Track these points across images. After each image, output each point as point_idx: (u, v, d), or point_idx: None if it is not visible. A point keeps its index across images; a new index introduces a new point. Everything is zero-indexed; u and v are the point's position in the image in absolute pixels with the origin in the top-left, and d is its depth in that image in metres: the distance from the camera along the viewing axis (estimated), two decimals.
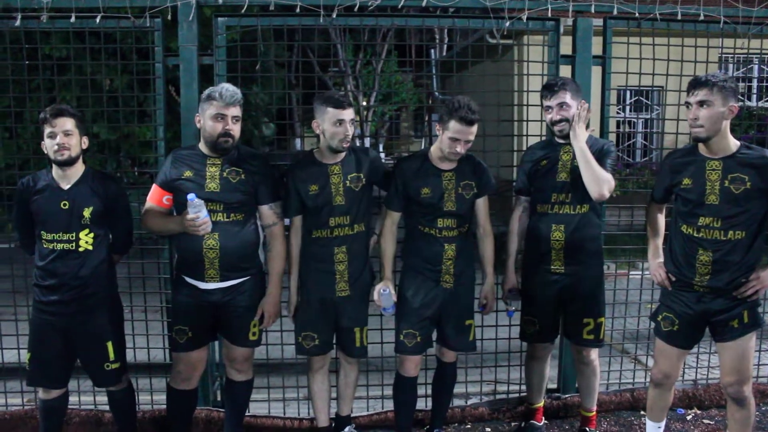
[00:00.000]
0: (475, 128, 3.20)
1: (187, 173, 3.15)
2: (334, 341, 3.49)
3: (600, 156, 3.28)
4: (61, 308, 3.10)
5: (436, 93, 13.07)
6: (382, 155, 19.62)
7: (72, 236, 3.08)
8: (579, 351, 3.55)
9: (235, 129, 3.14)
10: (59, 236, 3.07)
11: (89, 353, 3.21)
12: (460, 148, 3.20)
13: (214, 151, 3.17)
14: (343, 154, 3.33)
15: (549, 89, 3.34)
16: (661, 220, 3.34)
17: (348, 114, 3.20)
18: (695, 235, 3.00)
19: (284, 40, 3.91)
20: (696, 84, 2.92)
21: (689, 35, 3.97)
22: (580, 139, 3.22)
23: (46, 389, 3.26)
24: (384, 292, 3.28)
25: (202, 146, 3.21)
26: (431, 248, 3.30)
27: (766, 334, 4.27)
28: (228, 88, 3.13)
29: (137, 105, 4.18)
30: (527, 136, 4.10)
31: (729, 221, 2.92)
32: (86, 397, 3.95)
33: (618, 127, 10.38)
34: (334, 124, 3.19)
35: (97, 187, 3.15)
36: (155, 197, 3.23)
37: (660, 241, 3.30)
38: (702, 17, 3.84)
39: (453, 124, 3.18)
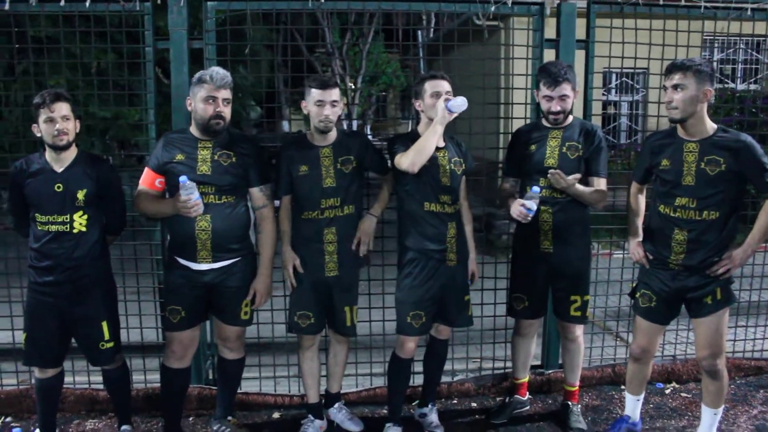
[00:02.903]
0: (444, 82, 3.29)
1: (179, 156, 3.20)
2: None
3: (594, 155, 3.42)
4: (56, 289, 3.15)
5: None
6: (370, 136, 19.59)
7: (66, 218, 3.12)
8: (565, 327, 3.65)
9: (226, 111, 3.20)
10: (53, 218, 3.11)
11: (85, 333, 3.27)
12: (445, 99, 3.21)
13: (206, 133, 3.22)
14: (333, 137, 3.40)
15: (553, 78, 3.36)
16: (642, 200, 3.44)
17: (329, 95, 3.26)
18: (672, 214, 3.11)
19: (271, 23, 3.92)
20: (672, 68, 3.02)
21: (671, 18, 4.06)
22: (570, 182, 3.32)
23: (42, 369, 3.32)
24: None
25: (194, 129, 3.26)
26: (436, 227, 3.34)
27: (743, 310, 4.41)
28: (218, 71, 3.18)
29: (126, 87, 4.20)
30: (512, 118, 4.17)
31: (704, 202, 3.03)
32: (80, 377, 4.02)
33: (604, 108, 10.48)
34: (315, 104, 3.28)
35: (90, 170, 3.18)
36: (148, 180, 3.28)
37: (640, 221, 3.41)
38: (683, 2, 3.92)
39: (428, 85, 3.30)
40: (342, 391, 3.87)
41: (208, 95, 3.15)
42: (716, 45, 7.66)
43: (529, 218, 3.30)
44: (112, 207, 3.32)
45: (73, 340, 3.34)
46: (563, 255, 3.49)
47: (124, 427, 3.57)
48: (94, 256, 3.21)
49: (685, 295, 3.17)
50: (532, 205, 3.26)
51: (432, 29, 16.17)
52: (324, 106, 3.27)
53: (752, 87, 10.14)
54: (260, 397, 4.00)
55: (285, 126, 17.41)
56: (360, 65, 19.12)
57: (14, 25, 3.77)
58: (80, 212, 3.15)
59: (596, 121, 4.12)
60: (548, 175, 3.31)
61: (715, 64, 9.37)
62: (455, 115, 3.19)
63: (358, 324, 3.59)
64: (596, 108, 4.08)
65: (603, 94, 10.37)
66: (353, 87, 18.70)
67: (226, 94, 3.19)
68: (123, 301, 3.73)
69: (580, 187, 3.38)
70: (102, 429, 3.78)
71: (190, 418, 3.87)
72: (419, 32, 15.13)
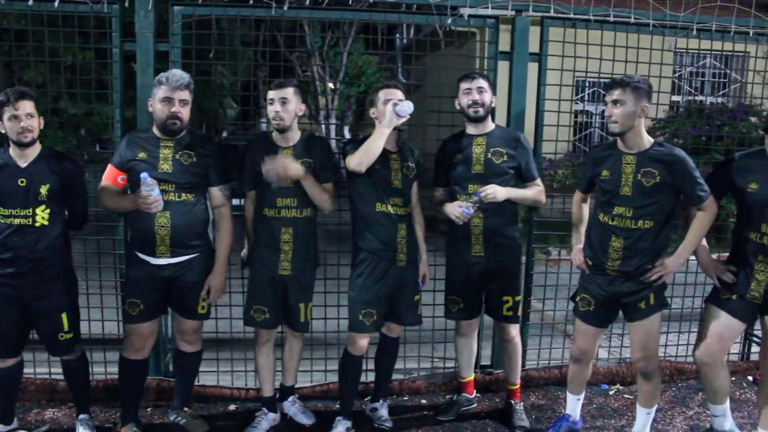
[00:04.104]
0: (397, 91, 3.50)
1: (142, 155, 3.32)
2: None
3: (527, 163, 3.67)
4: (17, 280, 3.24)
5: (401, 78, 13.25)
6: (349, 137, 19.61)
7: (29, 212, 3.21)
8: (501, 328, 3.83)
9: (183, 112, 3.32)
10: (16, 212, 3.19)
11: (45, 324, 3.36)
12: (394, 104, 3.38)
13: (164, 133, 3.35)
14: (296, 138, 3.53)
15: (469, 76, 3.66)
16: (585, 209, 3.61)
17: (277, 93, 3.41)
18: (610, 223, 3.27)
19: (249, 25, 4.06)
20: (612, 84, 3.20)
21: (622, 31, 4.26)
22: (504, 195, 3.54)
23: (2, 358, 3.41)
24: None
25: (155, 130, 3.38)
26: (386, 228, 3.49)
27: (686, 316, 4.61)
28: (175, 73, 3.31)
29: (100, 85, 4.29)
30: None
31: (639, 211, 3.20)
32: (41, 369, 4.09)
33: (576, 117, 10.68)
34: (268, 103, 3.45)
35: (54, 166, 3.28)
36: (110, 176, 3.39)
37: (583, 228, 3.57)
38: (632, 20, 4.11)
39: (381, 93, 3.50)
40: (297, 386, 4.00)
41: (165, 96, 3.27)
42: (679, 62, 7.89)
43: (466, 219, 3.49)
44: (74, 203, 3.43)
45: (33, 331, 3.43)
46: (494, 258, 3.66)
47: (81, 416, 3.65)
48: (55, 249, 3.30)
49: (621, 299, 3.34)
50: (471, 207, 3.45)
51: (407, 37, 16.29)
52: (273, 103, 3.42)
53: (719, 100, 10.37)
54: (217, 390, 4.13)
55: (264, 126, 17.46)
56: (340, 66, 19.21)
57: None
58: (43, 206, 3.24)
59: (550, 132, 4.28)
60: (480, 195, 3.48)
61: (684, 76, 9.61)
62: (404, 119, 3.35)
63: (313, 321, 3.73)
64: (549, 119, 4.23)
65: (576, 102, 10.57)
66: (332, 88, 18.78)
67: (183, 95, 3.30)
68: (85, 293, 3.83)
69: (518, 192, 3.60)
70: (61, 418, 3.87)
71: (149, 409, 3.98)
72: (396, 36, 15.30)
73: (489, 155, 3.60)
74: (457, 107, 3.71)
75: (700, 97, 10.78)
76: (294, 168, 3.33)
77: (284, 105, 3.42)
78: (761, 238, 3.19)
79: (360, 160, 3.35)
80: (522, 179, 3.68)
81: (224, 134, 13.55)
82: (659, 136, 8.37)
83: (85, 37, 4.03)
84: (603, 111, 3.27)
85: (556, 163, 7.80)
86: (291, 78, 3.59)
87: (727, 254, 3.46)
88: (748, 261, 3.26)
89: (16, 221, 3.20)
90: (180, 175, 3.34)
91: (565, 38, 4.16)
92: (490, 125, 3.71)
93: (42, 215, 3.24)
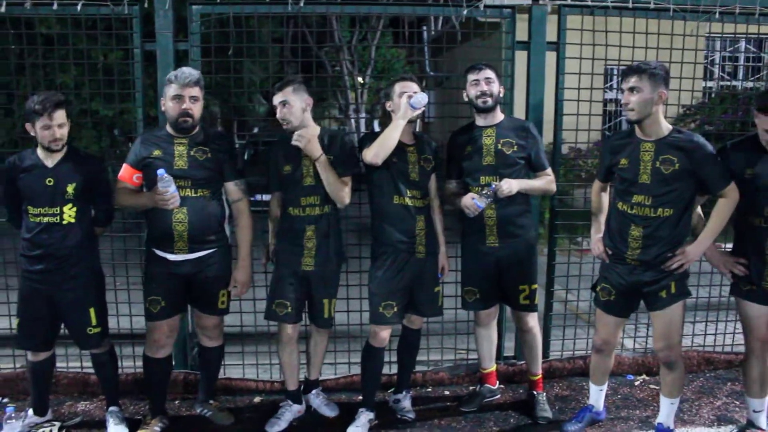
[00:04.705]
0: (413, 83, 3.52)
1: (156, 152, 3.39)
2: (305, 310, 3.73)
3: (537, 152, 3.66)
4: (47, 276, 3.35)
5: (428, 71, 13.24)
6: (379, 130, 19.50)
7: (56, 210, 3.31)
8: (519, 318, 3.82)
9: (194, 108, 3.36)
10: (44, 210, 3.30)
11: (73, 318, 3.46)
12: (408, 97, 3.41)
13: (177, 130, 3.40)
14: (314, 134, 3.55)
15: (476, 67, 3.63)
16: (605, 198, 3.57)
17: (278, 97, 3.45)
18: (629, 211, 3.24)
19: (278, 21, 4.11)
20: (628, 71, 3.15)
21: (642, 17, 4.19)
22: (517, 187, 3.52)
23: (34, 352, 3.53)
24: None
25: (169, 128, 3.45)
26: (405, 220, 3.51)
27: (714, 306, 4.53)
28: (184, 71, 3.36)
29: (125, 85, 4.38)
30: None
31: (659, 199, 3.16)
32: (73, 363, 4.23)
33: (605, 105, 10.52)
34: (275, 107, 3.48)
35: (79, 166, 3.38)
36: (126, 175, 3.46)
37: (602, 217, 3.54)
38: (652, 5, 4.04)
39: (397, 86, 3.52)
40: (321, 378, 4.04)
41: (175, 94, 3.33)
42: (710, 47, 7.73)
43: (477, 212, 3.49)
44: (100, 200, 3.52)
45: (63, 326, 3.54)
46: (509, 248, 3.65)
47: (111, 408, 3.73)
48: (82, 245, 3.40)
49: (641, 288, 3.30)
50: (483, 200, 3.45)
51: (434, 29, 16.23)
52: (277, 108, 3.46)
53: (750, 85, 10.13)
54: (242, 383, 4.19)
55: None
56: (369, 60, 19.21)
57: (12, 27, 3.97)
58: (70, 205, 3.34)
59: (571, 122, 4.24)
60: (494, 188, 3.47)
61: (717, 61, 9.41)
62: (418, 111, 3.38)
63: (337, 314, 3.75)
64: (568, 108, 4.19)
65: (604, 91, 10.41)
66: (362, 82, 18.79)
67: (193, 92, 3.35)
68: (113, 289, 3.94)
69: (528, 183, 3.61)
70: (92, 410, 3.99)
71: (176, 401, 4.06)
72: (424, 28, 15.25)
73: (499, 146, 3.60)
74: (465, 98, 3.71)
75: (728, 82, 10.53)
76: (313, 146, 3.41)
77: (285, 107, 3.45)
78: (767, 222, 3.18)
79: (376, 152, 3.38)
80: (532, 169, 3.68)
81: (254, 130, 13.65)
82: (690, 123, 8.22)
83: (108, 39, 4.11)
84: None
85: (583, 153, 7.72)
86: (296, 75, 3.59)
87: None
88: (758, 248, 3.24)
89: (45, 219, 3.31)
90: (195, 171, 3.40)
91: (584, 26, 4.10)
92: (499, 116, 3.70)
93: (69, 213, 3.34)
